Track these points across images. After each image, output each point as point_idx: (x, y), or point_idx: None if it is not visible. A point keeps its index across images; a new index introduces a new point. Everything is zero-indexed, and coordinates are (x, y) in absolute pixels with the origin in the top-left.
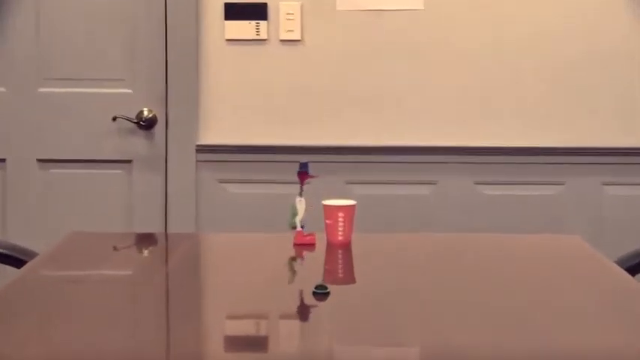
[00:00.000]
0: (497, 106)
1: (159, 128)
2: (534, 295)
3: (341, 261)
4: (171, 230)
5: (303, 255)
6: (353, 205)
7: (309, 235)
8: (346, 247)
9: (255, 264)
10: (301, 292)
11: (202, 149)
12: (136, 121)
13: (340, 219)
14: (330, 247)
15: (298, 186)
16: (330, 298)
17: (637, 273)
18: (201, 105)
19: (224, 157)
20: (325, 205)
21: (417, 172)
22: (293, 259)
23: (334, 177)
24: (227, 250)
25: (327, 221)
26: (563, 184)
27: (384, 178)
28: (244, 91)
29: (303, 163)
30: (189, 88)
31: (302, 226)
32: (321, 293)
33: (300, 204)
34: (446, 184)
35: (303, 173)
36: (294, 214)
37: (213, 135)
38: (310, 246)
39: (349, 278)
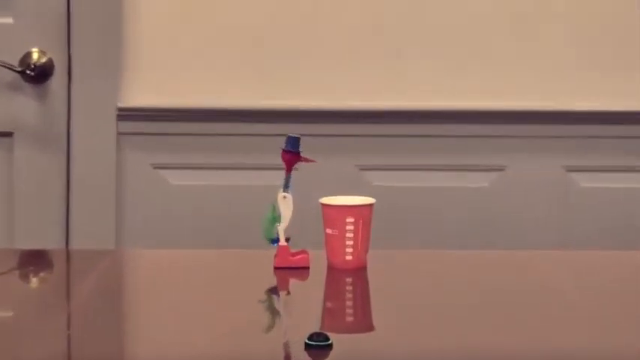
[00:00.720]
0: (597, 50)
1: (57, 81)
2: None
3: (350, 295)
4: (76, 244)
5: (289, 285)
6: (370, 205)
7: (299, 253)
8: (358, 271)
9: (213, 299)
10: (287, 345)
11: (127, 115)
12: (19, 69)
13: (349, 227)
14: (333, 271)
15: (281, 174)
16: (332, 353)
17: None
18: (124, 46)
19: (161, 127)
20: (325, 206)
21: (473, 153)
22: (273, 291)
23: (340, 160)
24: (167, 276)
25: (329, 231)
26: None
27: (418, 162)
28: (192, 26)
29: (293, 137)
30: (106, 19)
31: (287, 239)
32: (318, 346)
33: (285, 203)
34: (519, 170)
35: (291, 154)
36: (274, 218)
37: (143, 93)
38: (301, 270)
39: (362, 323)
